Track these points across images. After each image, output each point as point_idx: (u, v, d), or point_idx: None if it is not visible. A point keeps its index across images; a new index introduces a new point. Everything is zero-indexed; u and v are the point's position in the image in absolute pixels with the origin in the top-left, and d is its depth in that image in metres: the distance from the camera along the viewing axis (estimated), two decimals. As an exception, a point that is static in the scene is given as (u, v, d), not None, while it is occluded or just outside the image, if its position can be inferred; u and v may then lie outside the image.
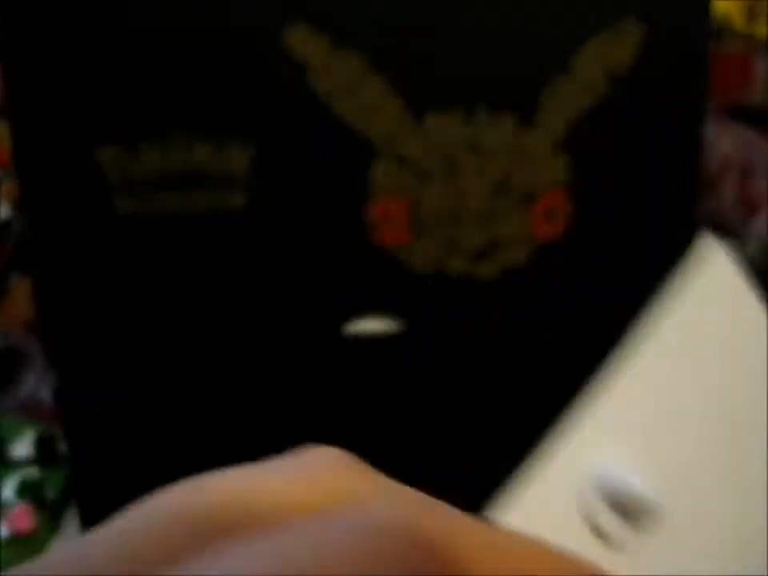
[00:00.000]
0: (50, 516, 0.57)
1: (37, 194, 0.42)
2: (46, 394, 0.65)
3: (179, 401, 0.48)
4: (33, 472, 0.59)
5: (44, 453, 0.60)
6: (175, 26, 0.41)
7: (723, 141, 0.96)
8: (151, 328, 0.44)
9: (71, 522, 0.56)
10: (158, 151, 0.41)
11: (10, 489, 0.58)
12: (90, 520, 0.52)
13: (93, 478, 0.51)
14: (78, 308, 0.44)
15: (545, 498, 0.26)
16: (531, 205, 0.41)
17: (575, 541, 0.23)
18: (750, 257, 0.87)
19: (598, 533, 0.23)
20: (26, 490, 0.57)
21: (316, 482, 0.17)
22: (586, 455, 0.25)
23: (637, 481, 0.22)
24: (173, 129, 0.42)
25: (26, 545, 0.55)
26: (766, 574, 0.52)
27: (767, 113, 0.95)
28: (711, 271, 0.33)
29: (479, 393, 0.45)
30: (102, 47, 0.42)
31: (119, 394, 0.48)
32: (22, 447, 0.61)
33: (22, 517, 0.56)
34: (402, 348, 0.42)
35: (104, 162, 0.41)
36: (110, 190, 0.41)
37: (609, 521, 0.23)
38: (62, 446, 0.56)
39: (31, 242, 0.42)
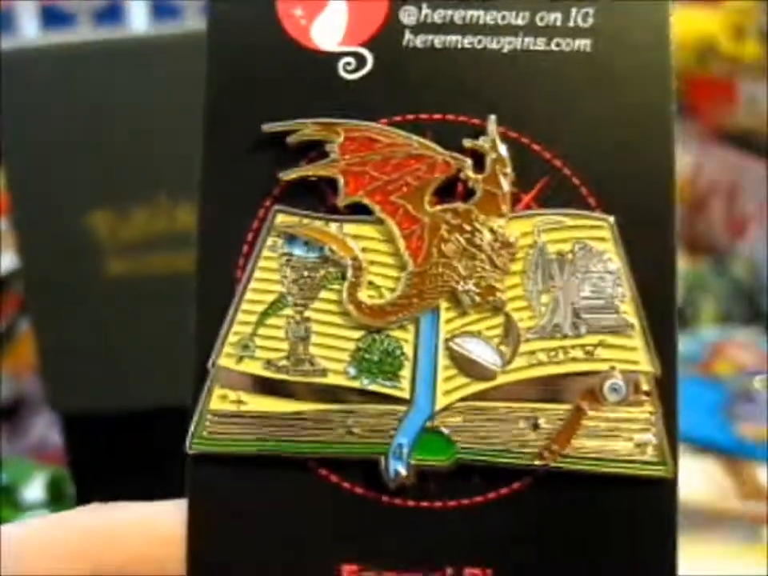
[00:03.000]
0: (61, 556, 0.59)
1: (33, 259, 0.44)
2: (55, 437, 0.67)
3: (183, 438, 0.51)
4: (43, 515, 0.61)
5: (54, 495, 0.63)
6: (156, 97, 0.44)
7: (710, 164, 0.98)
8: (145, 379, 0.47)
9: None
10: (145, 214, 0.44)
11: (21, 531, 0.60)
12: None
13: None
14: (75, 362, 0.46)
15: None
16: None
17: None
18: (737, 277, 0.88)
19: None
20: (37, 533, 0.59)
21: None
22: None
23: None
24: (157, 191, 0.44)
25: (38, 585, 0.57)
26: (766, 573, 0.53)
27: (752, 135, 0.97)
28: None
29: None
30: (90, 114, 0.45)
31: (124, 435, 0.51)
32: (33, 490, 0.63)
33: (34, 558, 0.58)
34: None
35: (96, 226, 0.44)
36: (102, 252, 0.44)
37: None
38: (72, 489, 0.58)
39: (29, 303, 0.45)
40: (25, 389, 0.72)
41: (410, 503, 0.24)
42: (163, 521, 0.25)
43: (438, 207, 0.24)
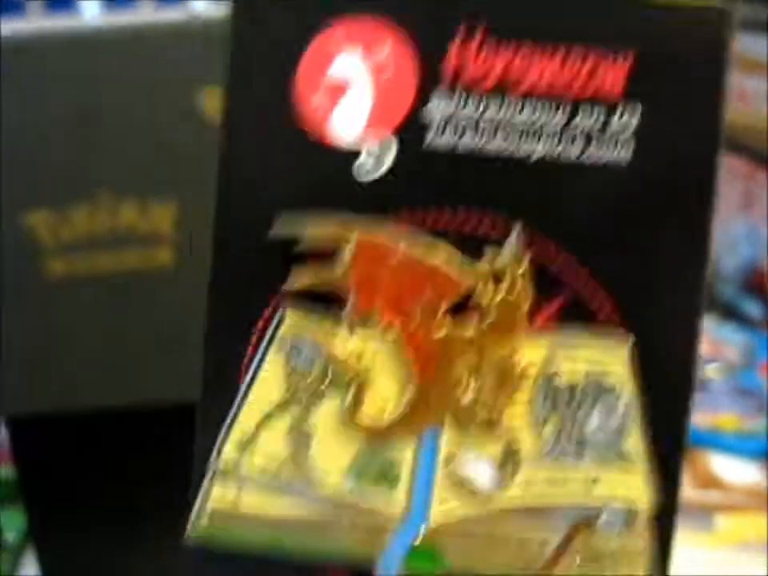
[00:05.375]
0: (12, 558, 0.58)
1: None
2: (4, 436, 0.66)
3: (133, 436, 0.50)
4: (-9, 516, 0.61)
5: (3, 495, 0.62)
6: (96, 93, 0.43)
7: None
8: (88, 380, 0.46)
9: (30, 564, 0.57)
10: (86, 213, 0.43)
11: (-30, 533, 0.59)
12: (48, 562, 0.53)
13: (50, 520, 0.53)
14: (19, 365, 0.46)
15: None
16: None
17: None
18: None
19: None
20: (-14, 534, 0.59)
21: None
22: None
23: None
24: (98, 188, 0.43)
25: (-13, 588, 0.57)
26: (765, 574, 0.54)
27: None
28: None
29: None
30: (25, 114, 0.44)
31: (69, 437, 0.50)
32: (-19, 491, 0.62)
33: (-17, 561, 0.57)
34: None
35: (35, 227, 0.43)
36: (42, 253, 0.43)
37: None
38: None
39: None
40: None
41: None
42: None
43: (449, 328, 0.24)
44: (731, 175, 0.90)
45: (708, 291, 0.83)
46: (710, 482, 0.63)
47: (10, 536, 0.59)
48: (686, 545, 0.59)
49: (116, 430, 0.48)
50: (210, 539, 0.24)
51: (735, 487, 0.62)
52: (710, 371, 0.73)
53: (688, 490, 0.63)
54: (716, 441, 0.66)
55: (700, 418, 0.69)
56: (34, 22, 0.50)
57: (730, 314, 0.84)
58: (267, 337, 0.24)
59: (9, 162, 0.43)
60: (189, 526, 0.24)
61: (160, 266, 0.44)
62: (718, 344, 0.78)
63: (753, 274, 0.85)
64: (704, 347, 0.81)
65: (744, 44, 1.05)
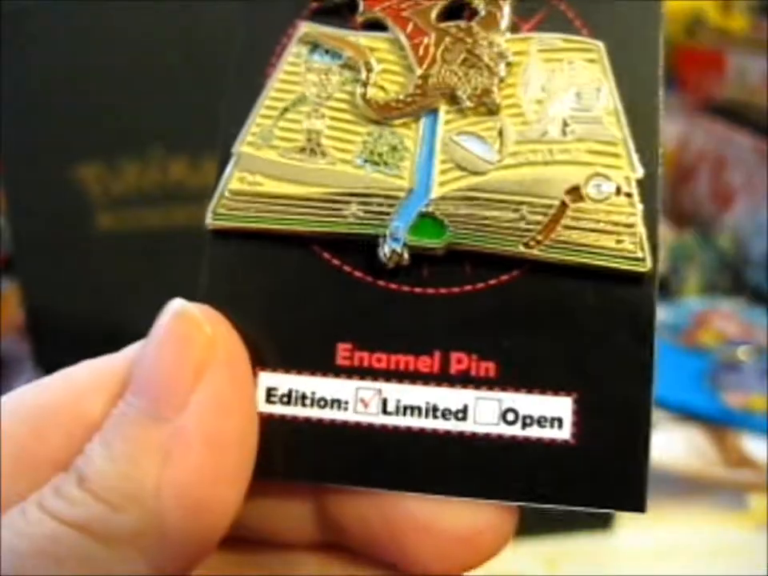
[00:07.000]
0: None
1: (21, 214, 0.43)
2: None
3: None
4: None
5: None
6: (149, 49, 0.43)
7: (698, 135, 0.98)
8: (135, 335, 0.46)
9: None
10: (136, 168, 0.43)
11: (3, 491, 0.59)
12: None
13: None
14: (63, 319, 0.46)
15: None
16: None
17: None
18: (722, 248, 0.89)
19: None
20: (20, 492, 0.59)
21: None
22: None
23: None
24: (150, 144, 0.43)
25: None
26: (765, 573, 0.54)
27: (740, 107, 0.97)
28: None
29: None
30: (81, 67, 0.44)
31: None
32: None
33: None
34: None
35: (86, 180, 0.43)
36: (92, 206, 0.43)
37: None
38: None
39: (17, 258, 0.44)
40: (6, 348, 0.71)
41: (404, 288, 0.25)
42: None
43: (444, 23, 0.27)
44: (761, 161, 0.90)
45: (737, 275, 0.83)
46: (742, 461, 0.63)
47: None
48: (717, 524, 0.59)
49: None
50: (228, 218, 0.26)
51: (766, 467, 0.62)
52: (740, 353, 0.73)
53: (720, 470, 0.63)
54: (747, 421, 0.66)
55: (731, 398, 0.69)
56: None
57: (759, 297, 0.84)
58: (289, 45, 0.27)
59: (61, 114, 0.43)
60: (209, 211, 0.26)
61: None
62: (747, 326, 0.78)
63: (782, 259, 0.85)
64: (734, 329, 0.80)
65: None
